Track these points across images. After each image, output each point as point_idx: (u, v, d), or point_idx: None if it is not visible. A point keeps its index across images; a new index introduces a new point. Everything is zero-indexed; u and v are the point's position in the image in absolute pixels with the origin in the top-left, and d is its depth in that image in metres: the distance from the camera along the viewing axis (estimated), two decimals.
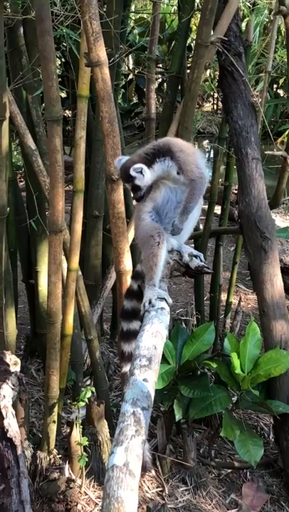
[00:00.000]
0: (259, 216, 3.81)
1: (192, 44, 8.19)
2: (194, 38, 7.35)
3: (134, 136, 11.65)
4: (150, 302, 2.30)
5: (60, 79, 6.65)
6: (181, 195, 2.43)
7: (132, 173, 2.35)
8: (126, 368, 2.53)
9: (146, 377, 1.89)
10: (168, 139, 2.57)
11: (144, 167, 2.35)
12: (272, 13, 4.37)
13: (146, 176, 2.36)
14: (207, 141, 12.85)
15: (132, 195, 2.46)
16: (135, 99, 13.36)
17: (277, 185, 4.24)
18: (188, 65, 4.62)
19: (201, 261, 2.53)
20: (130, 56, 11.04)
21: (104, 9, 3.88)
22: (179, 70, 4.22)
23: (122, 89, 11.95)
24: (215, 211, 5.14)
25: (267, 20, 10.35)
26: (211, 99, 14.37)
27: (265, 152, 4.21)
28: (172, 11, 9.72)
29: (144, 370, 1.92)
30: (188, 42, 4.78)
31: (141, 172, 2.35)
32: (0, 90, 3.29)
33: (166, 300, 2.34)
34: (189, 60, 5.46)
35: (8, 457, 2.63)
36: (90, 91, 3.51)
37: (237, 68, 3.76)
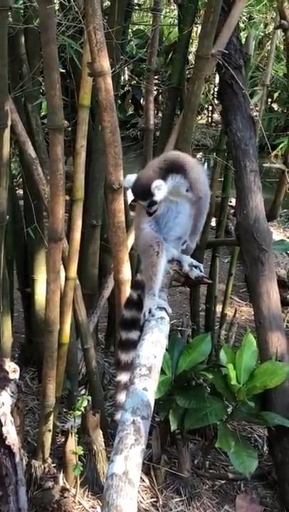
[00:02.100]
0: (257, 228, 3.82)
1: (190, 57, 8.21)
2: (192, 50, 7.40)
3: (130, 147, 11.66)
4: (150, 311, 2.31)
5: None
6: (181, 205, 2.45)
7: (154, 190, 2.30)
8: (120, 377, 2.53)
9: (146, 386, 1.90)
10: (178, 155, 2.53)
11: (163, 183, 2.31)
12: (273, 27, 4.41)
13: (163, 190, 2.32)
14: (201, 153, 12.90)
15: (146, 210, 2.38)
16: (131, 111, 13.40)
17: (274, 198, 4.27)
18: (188, 77, 4.65)
19: (201, 271, 2.55)
20: (126, 68, 11.08)
21: (106, 20, 3.90)
22: (178, 82, 4.24)
23: (119, 101, 11.98)
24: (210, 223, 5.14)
25: (262, 34, 10.43)
26: (205, 111, 14.44)
27: (264, 165, 4.24)
28: (170, 23, 9.75)
29: (144, 379, 1.93)
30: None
31: (161, 188, 2.31)
32: (2, 98, 3.30)
33: (166, 310, 2.34)
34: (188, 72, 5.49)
35: (6, 464, 2.63)
36: (90, 101, 3.52)
37: (237, 81, 3.78)
